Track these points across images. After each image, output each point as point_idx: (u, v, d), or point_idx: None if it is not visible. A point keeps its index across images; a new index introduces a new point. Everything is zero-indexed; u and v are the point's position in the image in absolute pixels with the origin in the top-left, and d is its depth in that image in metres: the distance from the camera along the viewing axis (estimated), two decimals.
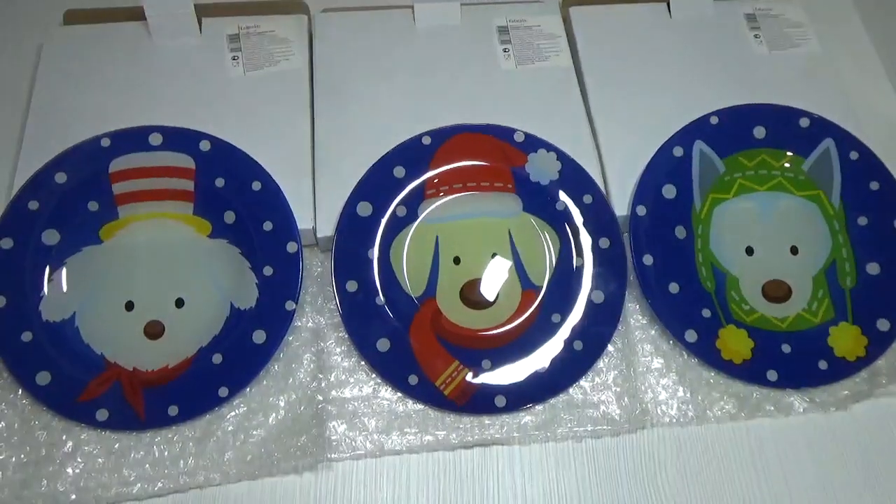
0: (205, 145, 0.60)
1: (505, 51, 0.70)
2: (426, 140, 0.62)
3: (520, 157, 0.63)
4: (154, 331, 0.56)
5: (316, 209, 0.61)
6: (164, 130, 0.60)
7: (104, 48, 0.68)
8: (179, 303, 0.57)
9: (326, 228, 0.60)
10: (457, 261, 0.60)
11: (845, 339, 0.59)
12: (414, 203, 0.61)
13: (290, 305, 0.56)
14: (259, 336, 0.56)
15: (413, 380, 0.56)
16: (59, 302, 0.56)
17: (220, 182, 0.59)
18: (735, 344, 0.58)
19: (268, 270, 0.57)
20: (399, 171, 0.61)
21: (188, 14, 0.67)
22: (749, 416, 0.57)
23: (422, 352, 0.57)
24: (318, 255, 0.62)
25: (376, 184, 0.61)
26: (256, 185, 0.59)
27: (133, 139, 0.60)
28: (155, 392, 0.54)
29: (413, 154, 0.62)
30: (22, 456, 0.53)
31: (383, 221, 0.60)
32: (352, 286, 0.58)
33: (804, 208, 0.63)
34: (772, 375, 0.57)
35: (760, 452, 0.56)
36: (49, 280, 0.56)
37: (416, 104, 0.66)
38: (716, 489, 0.55)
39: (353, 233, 0.59)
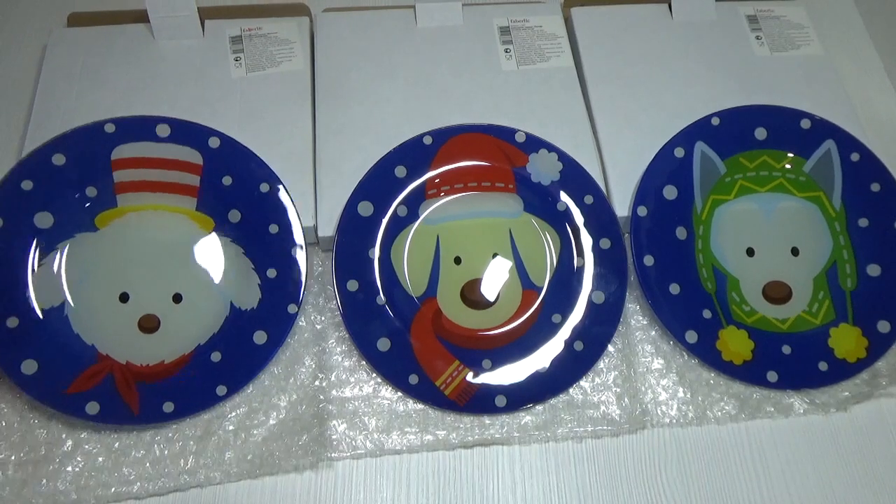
0: (214, 142, 0.59)
1: (506, 51, 0.70)
2: (427, 140, 0.62)
3: (521, 158, 0.63)
4: (149, 325, 0.55)
5: (317, 208, 0.61)
6: (172, 122, 0.59)
7: (107, 49, 0.68)
8: (177, 298, 0.56)
9: (327, 228, 0.60)
10: (457, 261, 0.60)
11: (846, 341, 0.59)
12: (415, 203, 0.61)
13: (292, 308, 0.56)
14: (260, 337, 0.56)
15: (413, 379, 0.56)
16: (49, 288, 0.54)
17: (227, 180, 0.58)
18: (735, 345, 0.58)
19: (271, 272, 0.57)
20: (400, 171, 0.61)
21: (191, 16, 0.68)
22: (749, 417, 0.57)
23: (422, 351, 0.57)
24: (319, 255, 0.62)
25: (377, 183, 0.61)
26: (265, 188, 0.58)
27: (139, 128, 0.58)
28: (150, 388, 0.53)
29: (414, 154, 0.62)
30: (22, 455, 0.53)
31: (384, 221, 0.60)
32: (353, 286, 0.58)
33: (805, 209, 0.63)
34: (772, 376, 0.57)
35: (760, 453, 0.56)
36: (39, 264, 0.55)
37: (418, 104, 0.66)
38: (716, 490, 0.55)
39: (354, 232, 0.59)
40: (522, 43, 0.70)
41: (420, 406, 0.56)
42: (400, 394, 0.57)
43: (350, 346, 0.58)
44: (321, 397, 0.56)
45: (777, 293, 0.60)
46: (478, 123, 0.63)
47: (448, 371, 0.56)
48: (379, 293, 0.58)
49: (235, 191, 0.58)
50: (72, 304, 0.55)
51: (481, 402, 0.56)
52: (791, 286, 0.61)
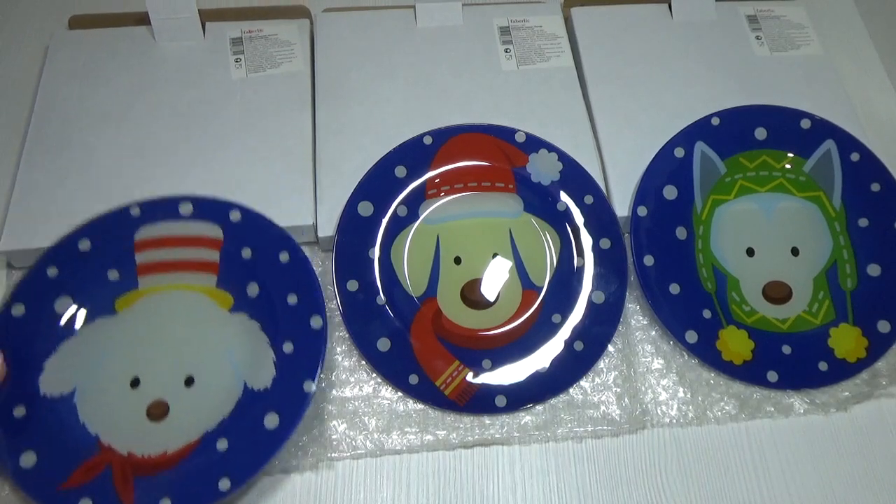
0: (234, 215, 0.57)
1: (506, 51, 0.70)
2: (427, 140, 0.62)
3: (521, 158, 0.63)
4: (158, 411, 0.52)
5: (317, 208, 0.61)
6: (195, 200, 0.57)
7: (108, 51, 0.68)
8: (189, 381, 0.53)
9: (327, 228, 0.60)
10: (457, 261, 0.60)
11: (846, 341, 0.59)
12: (415, 203, 0.61)
13: (308, 386, 0.53)
14: (271, 420, 0.52)
15: (413, 379, 0.56)
16: (61, 375, 0.52)
17: (246, 252, 0.56)
18: (735, 345, 0.58)
19: (288, 347, 0.54)
20: (400, 171, 0.61)
21: (192, 17, 0.68)
22: (749, 417, 0.57)
23: (422, 351, 0.57)
24: (319, 255, 0.62)
25: (377, 183, 0.61)
26: (284, 257, 0.56)
27: (163, 208, 0.57)
28: (147, 482, 0.50)
29: (414, 154, 0.62)
30: None
31: (384, 221, 0.60)
32: (353, 286, 0.58)
33: (805, 209, 0.63)
34: (772, 376, 0.57)
35: (761, 453, 0.56)
36: (54, 351, 0.53)
37: (418, 104, 0.66)
38: (716, 490, 0.55)
39: (354, 232, 0.59)
40: (522, 43, 0.70)
41: (420, 406, 0.56)
42: (400, 394, 0.57)
43: (350, 346, 0.58)
44: (321, 397, 0.56)
45: (777, 293, 0.60)
46: (478, 123, 0.63)
47: (448, 371, 0.56)
48: (379, 293, 0.58)
49: (255, 262, 0.56)
50: (82, 392, 0.52)
51: (481, 402, 0.56)
52: (791, 286, 0.61)
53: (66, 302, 0.54)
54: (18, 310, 0.53)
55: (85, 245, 0.55)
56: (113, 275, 0.55)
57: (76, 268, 0.55)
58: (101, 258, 0.55)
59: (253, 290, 0.56)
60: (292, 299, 0.55)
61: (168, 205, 0.57)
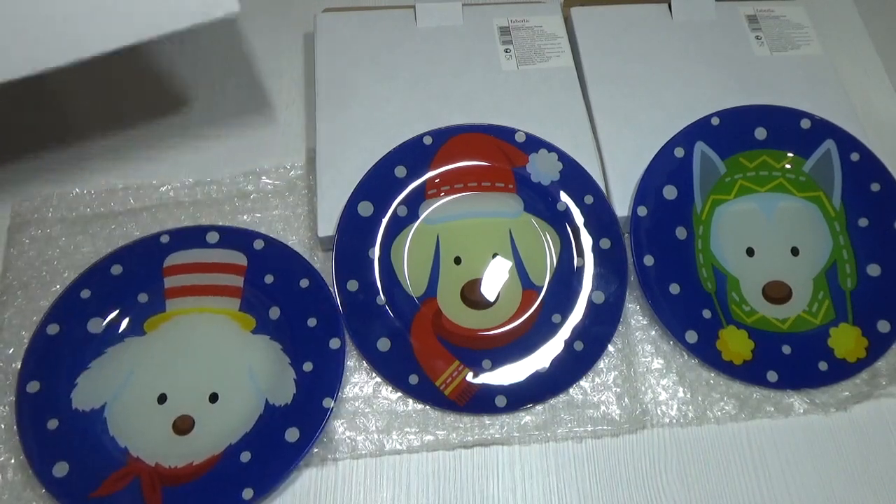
0: (258, 244, 0.60)
1: (506, 51, 0.70)
2: (427, 140, 0.62)
3: (521, 158, 0.63)
4: (184, 426, 0.54)
5: (317, 208, 0.61)
6: (221, 229, 0.60)
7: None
8: (213, 398, 0.55)
9: (327, 228, 0.60)
10: (457, 261, 0.60)
11: (846, 341, 0.59)
12: (415, 203, 0.61)
13: (327, 403, 0.54)
14: (292, 434, 0.54)
15: (413, 379, 0.56)
16: (93, 391, 0.55)
17: (269, 278, 0.59)
18: (735, 345, 0.58)
19: (308, 366, 0.56)
20: (400, 171, 0.61)
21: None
22: (749, 416, 0.57)
23: (422, 352, 0.57)
24: (319, 255, 0.62)
25: (377, 183, 0.61)
26: (304, 283, 0.58)
27: (191, 237, 0.60)
28: (175, 492, 0.52)
29: (414, 154, 0.62)
30: (21, 457, 0.53)
31: (384, 221, 0.60)
32: (353, 286, 0.58)
33: (805, 209, 0.63)
34: (772, 376, 0.57)
35: (760, 453, 0.56)
36: (86, 368, 0.55)
37: (418, 104, 0.66)
38: (716, 490, 0.55)
39: (354, 232, 0.59)
40: (522, 43, 0.70)
41: (420, 406, 0.56)
42: (400, 394, 0.57)
43: (350, 346, 0.58)
44: None
45: (777, 293, 0.61)
46: (478, 123, 0.63)
47: (448, 371, 0.56)
48: (379, 293, 0.58)
49: (276, 287, 0.58)
50: (111, 407, 0.55)
51: (481, 402, 0.56)
52: (791, 286, 0.61)
53: (98, 323, 0.56)
54: (53, 329, 0.56)
55: (117, 269, 0.58)
56: (142, 298, 0.58)
57: (108, 290, 0.58)
58: (131, 281, 0.58)
59: (274, 313, 0.58)
60: (312, 322, 0.57)
61: (195, 232, 0.60)
